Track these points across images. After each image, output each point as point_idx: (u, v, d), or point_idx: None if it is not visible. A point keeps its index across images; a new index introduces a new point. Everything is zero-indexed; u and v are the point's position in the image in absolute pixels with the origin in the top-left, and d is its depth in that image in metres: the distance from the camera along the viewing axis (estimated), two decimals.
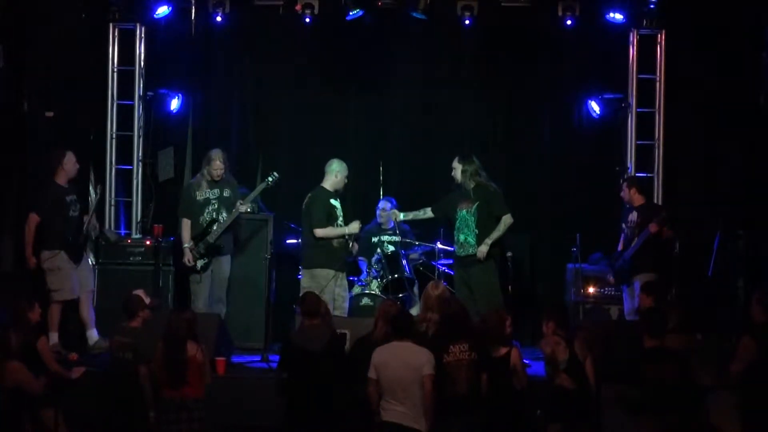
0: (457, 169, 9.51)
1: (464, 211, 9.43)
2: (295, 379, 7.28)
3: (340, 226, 9.43)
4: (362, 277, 10.04)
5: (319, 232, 9.37)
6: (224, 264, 9.67)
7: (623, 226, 9.56)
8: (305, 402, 7.17)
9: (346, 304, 9.49)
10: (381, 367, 6.82)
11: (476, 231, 9.36)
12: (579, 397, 7.03)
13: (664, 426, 6.64)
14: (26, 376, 7.29)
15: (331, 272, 9.34)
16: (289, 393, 7.29)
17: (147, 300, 7.93)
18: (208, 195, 9.57)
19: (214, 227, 9.51)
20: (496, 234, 9.35)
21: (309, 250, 9.50)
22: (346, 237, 9.43)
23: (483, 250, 9.29)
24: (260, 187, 9.64)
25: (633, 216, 9.43)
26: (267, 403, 7.68)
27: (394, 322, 7.05)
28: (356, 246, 9.62)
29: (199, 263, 9.50)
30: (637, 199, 9.52)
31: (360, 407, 7.01)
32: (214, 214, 9.57)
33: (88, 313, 9.34)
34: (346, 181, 9.49)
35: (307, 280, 9.37)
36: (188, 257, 9.47)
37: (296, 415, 7.22)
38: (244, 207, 9.56)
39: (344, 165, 9.51)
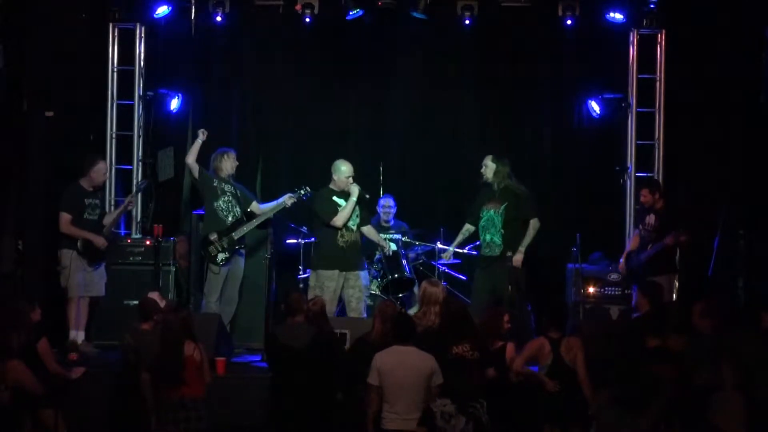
0: (490, 168, 9.49)
1: (491, 211, 9.44)
2: (277, 375, 7.35)
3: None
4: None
5: (336, 220, 9.33)
6: (240, 262, 9.77)
7: (639, 227, 9.59)
8: (288, 399, 7.18)
9: (362, 305, 9.40)
10: (386, 373, 6.66)
11: (502, 231, 9.39)
12: (567, 399, 7.04)
13: (663, 426, 6.65)
14: (26, 376, 7.28)
15: (335, 272, 9.35)
16: (273, 390, 7.33)
17: (162, 303, 7.95)
18: (223, 186, 9.67)
19: (242, 226, 9.62)
20: (527, 240, 9.37)
21: (313, 250, 9.61)
22: (357, 202, 9.38)
23: (519, 258, 9.31)
24: (288, 196, 9.69)
25: (651, 219, 9.46)
26: (267, 403, 7.67)
27: (396, 325, 6.99)
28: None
29: (221, 257, 9.55)
30: (659, 203, 9.54)
31: (358, 407, 7.01)
32: (230, 206, 9.65)
33: (75, 314, 9.30)
34: (349, 181, 9.46)
35: (313, 279, 9.47)
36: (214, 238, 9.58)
37: (280, 412, 7.24)
38: (291, 201, 9.65)
39: (341, 165, 9.48)
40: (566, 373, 7.10)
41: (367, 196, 9.54)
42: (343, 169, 9.46)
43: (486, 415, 6.36)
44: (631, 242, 9.83)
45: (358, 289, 9.41)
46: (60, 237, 9.29)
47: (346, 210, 9.35)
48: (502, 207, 9.42)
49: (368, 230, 9.59)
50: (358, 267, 9.48)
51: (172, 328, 7.09)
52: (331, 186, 9.50)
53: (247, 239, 9.91)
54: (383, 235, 9.98)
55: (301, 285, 10.10)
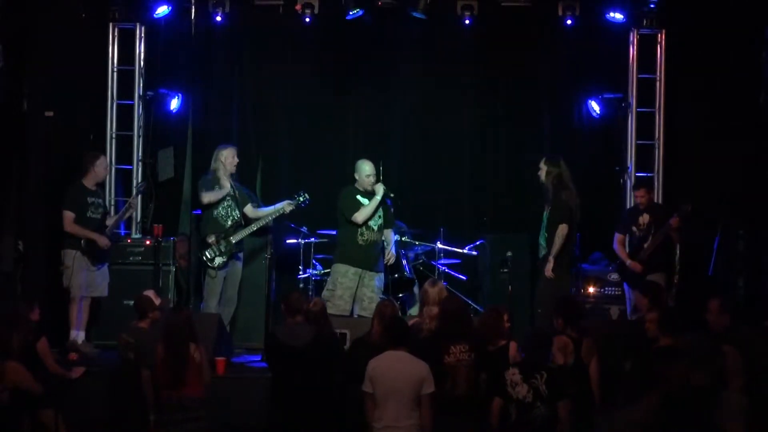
0: (542, 170, 9.38)
1: (545, 212, 9.39)
2: (277, 375, 7.35)
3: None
4: None
5: (357, 216, 9.33)
6: (238, 264, 9.78)
7: (633, 229, 9.53)
8: (288, 399, 7.18)
9: (373, 306, 9.09)
10: (377, 379, 6.56)
11: (545, 234, 9.30)
12: (579, 399, 7.03)
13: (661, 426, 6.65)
14: (26, 377, 7.28)
15: (351, 269, 9.33)
16: (273, 390, 7.34)
17: (157, 301, 7.94)
18: (224, 190, 9.67)
19: (241, 230, 9.64)
20: (555, 249, 9.15)
21: (336, 246, 9.59)
22: (381, 201, 9.38)
23: (549, 268, 9.15)
24: (287, 202, 9.72)
25: (644, 219, 9.45)
26: (267, 403, 7.67)
27: (388, 329, 6.92)
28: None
29: (218, 260, 9.56)
30: (647, 200, 9.58)
31: (357, 407, 6.99)
32: (229, 210, 9.67)
33: (76, 314, 9.29)
34: (371, 180, 9.43)
35: (332, 274, 9.49)
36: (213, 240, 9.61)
37: (281, 412, 7.24)
38: (290, 208, 9.67)
39: (363, 165, 9.46)
40: (583, 374, 7.10)
41: (392, 195, 9.52)
42: (365, 168, 9.45)
43: (543, 386, 6.55)
44: (620, 248, 9.59)
45: (371, 289, 9.39)
46: (63, 236, 9.28)
47: (368, 208, 9.35)
48: (549, 209, 9.34)
49: (387, 234, 9.60)
50: (375, 268, 9.44)
51: (177, 329, 7.05)
52: (356, 186, 9.50)
53: (247, 240, 9.91)
54: None
55: (301, 285, 10.11)
